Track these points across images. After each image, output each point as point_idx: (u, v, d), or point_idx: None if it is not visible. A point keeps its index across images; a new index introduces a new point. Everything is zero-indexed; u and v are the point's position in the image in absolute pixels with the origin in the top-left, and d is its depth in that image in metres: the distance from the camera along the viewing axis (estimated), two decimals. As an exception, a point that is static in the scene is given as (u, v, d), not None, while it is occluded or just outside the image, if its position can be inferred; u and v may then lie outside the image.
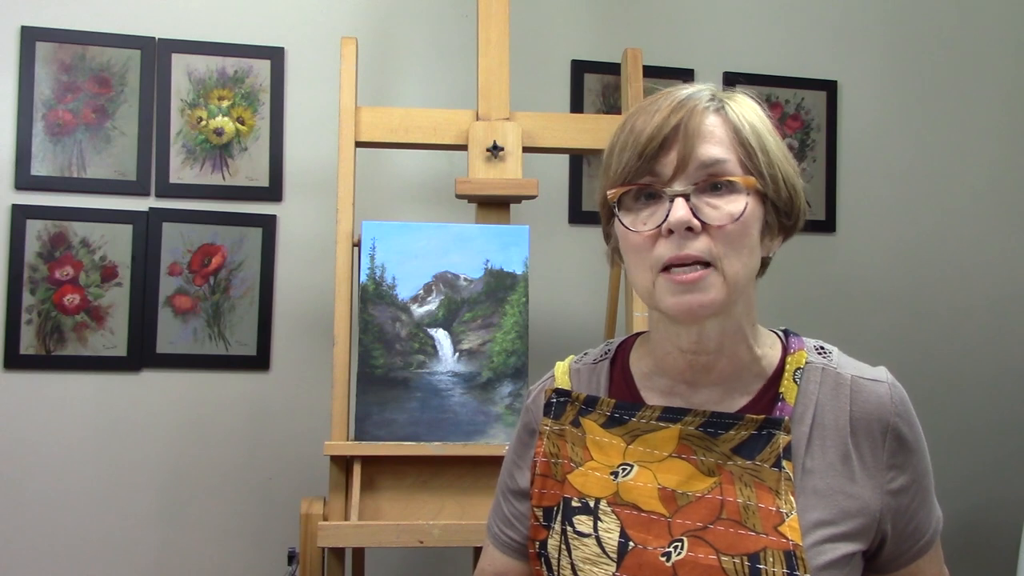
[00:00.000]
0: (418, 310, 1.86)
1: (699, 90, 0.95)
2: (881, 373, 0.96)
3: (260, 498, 2.29)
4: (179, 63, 2.30)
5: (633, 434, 0.97)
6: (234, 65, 2.33)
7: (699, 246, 0.89)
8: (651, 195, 0.92)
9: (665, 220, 0.89)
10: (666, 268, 0.90)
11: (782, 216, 0.96)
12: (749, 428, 0.92)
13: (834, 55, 2.64)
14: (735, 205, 0.90)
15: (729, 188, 0.90)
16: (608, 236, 1.01)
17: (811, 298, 2.56)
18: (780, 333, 1.02)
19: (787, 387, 0.95)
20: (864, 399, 0.94)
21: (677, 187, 0.90)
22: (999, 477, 2.65)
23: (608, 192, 0.94)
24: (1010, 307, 2.72)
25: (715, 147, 0.91)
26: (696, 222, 0.88)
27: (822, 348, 1.00)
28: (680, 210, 0.88)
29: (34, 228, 2.20)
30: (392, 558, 2.32)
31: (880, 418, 0.93)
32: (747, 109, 0.95)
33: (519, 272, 1.89)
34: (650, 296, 0.93)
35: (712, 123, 0.92)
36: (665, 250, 0.90)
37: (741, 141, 0.92)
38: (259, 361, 2.30)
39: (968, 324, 2.69)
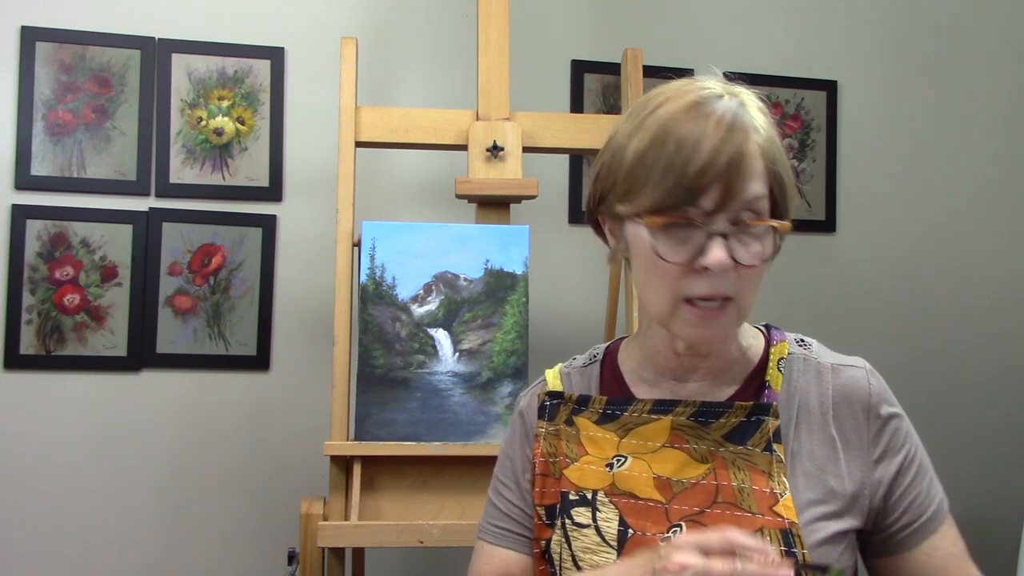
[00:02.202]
0: (418, 310, 1.86)
1: (735, 107, 0.90)
2: (858, 361, 1.00)
3: (260, 498, 2.29)
4: (179, 63, 2.30)
5: (626, 428, 0.99)
6: (234, 65, 2.33)
7: (729, 286, 0.88)
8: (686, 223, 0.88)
9: (701, 256, 0.87)
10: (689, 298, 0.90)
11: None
12: (739, 415, 0.95)
13: (834, 55, 2.64)
14: (766, 246, 0.89)
15: (763, 227, 0.89)
16: (606, 231, 1.00)
17: (811, 298, 2.56)
18: (762, 328, 1.04)
19: (772, 376, 0.98)
20: (843, 383, 0.97)
21: (719, 226, 0.87)
22: (999, 477, 2.65)
23: (647, 220, 0.89)
24: (1010, 307, 2.72)
25: (756, 183, 0.88)
26: (732, 263, 0.87)
27: (802, 340, 1.02)
28: (720, 252, 0.86)
29: (34, 228, 2.20)
30: (392, 558, 2.32)
31: (860, 399, 0.96)
32: (766, 122, 0.92)
33: (519, 272, 1.89)
34: (666, 320, 0.92)
35: (754, 155, 0.88)
36: (696, 286, 0.88)
37: (774, 174, 0.90)
38: (259, 361, 2.30)
39: (968, 324, 2.69)
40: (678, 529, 0.91)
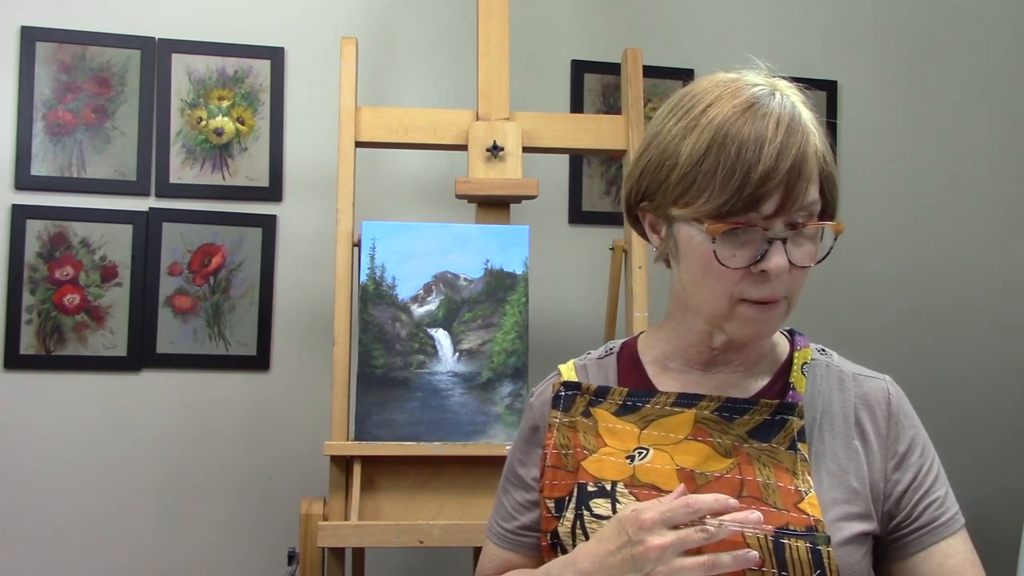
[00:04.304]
0: (418, 310, 1.86)
1: (790, 107, 0.90)
2: (879, 374, 1.01)
3: (260, 498, 2.29)
4: (179, 63, 2.30)
5: (647, 419, 0.98)
6: (234, 65, 2.33)
7: (784, 287, 0.90)
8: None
9: (761, 260, 0.88)
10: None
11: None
12: (763, 413, 0.95)
13: (834, 55, 2.64)
14: (818, 246, 0.91)
15: (815, 228, 0.90)
16: (646, 226, 0.98)
17: (811, 297, 2.55)
18: (786, 332, 1.05)
19: (796, 378, 0.98)
20: (865, 392, 0.98)
21: (778, 230, 0.88)
22: (999, 476, 2.65)
23: (709, 227, 0.88)
24: (1009, 306, 2.72)
25: (815, 189, 0.90)
26: (788, 266, 0.89)
27: (823, 350, 1.04)
28: (781, 258, 0.87)
29: (34, 228, 2.20)
30: (392, 558, 2.32)
31: (880, 407, 0.97)
32: (812, 117, 0.93)
33: (519, 272, 1.89)
34: (721, 320, 0.93)
35: (812, 156, 0.89)
36: (754, 290, 0.89)
37: (825, 176, 0.92)
38: (259, 361, 2.30)
39: (968, 323, 2.69)
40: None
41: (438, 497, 1.78)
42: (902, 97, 2.69)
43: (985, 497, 2.62)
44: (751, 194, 0.85)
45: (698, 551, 0.84)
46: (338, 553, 1.76)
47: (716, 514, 0.83)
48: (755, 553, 0.83)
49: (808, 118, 0.91)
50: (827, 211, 0.94)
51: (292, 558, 1.77)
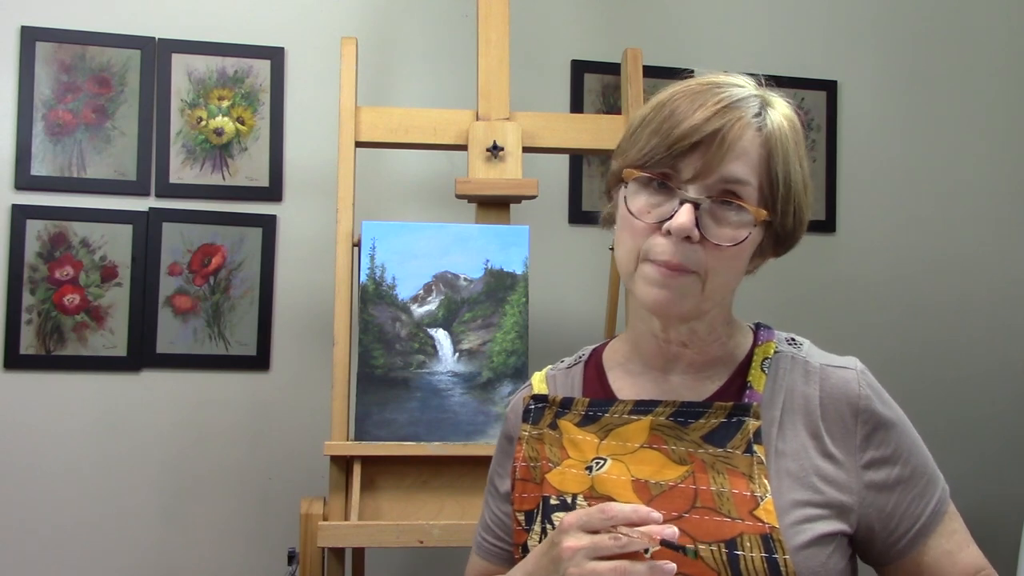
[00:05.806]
0: (418, 310, 1.86)
1: (748, 96, 0.92)
2: (850, 361, 0.98)
3: (260, 498, 2.29)
4: (179, 63, 2.30)
5: (606, 429, 0.98)
6: (234, 65, 2.33)
7: (692, 257, 0.89)
8: (664, 185, 0.91)
9: (668, 219, 0.89)
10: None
11: (778, 244, 0.97)
12: (719, 416, 0.94)
13: (834, 55, 2.64)
14: (740, 231, 0.90)
15: (740, 210, 0.90)
16: (610, 198, 1.01)
17: (811, 298, 2.56)
18: (752, 326, 1.04)
19: (755, 376, 0.97)
20: (832, 385, 0.95)
21: (691, 192, 0.89)
22: (999, 476, 2.65)
23: (624, 171, 0.94)
24: (1010, 306, 2.72)
25: (742, 167, 0.89)
26: (696, 233, 0.88)
27: (793, 339, 1.01)
28: (684, 217, 0.88)
29: (34, 228, 2.20)
30: (392, 558, 2.32)
31: (849, 402, 0.94)
32: (786, 126, 0.93)
33: (519, 272, 1.89)
34: (629, 278, 0.94)
35: (749, 140, 0.90)
36: (659, 249, 0.90)
37: (770, 168, 0.91)
38: (259, 361, 2.30)
39: (968, 323, 2.69)
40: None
41: (438, 497, 1.78)
42: (902, 97, 2.69)
43: (985, 497, 2.61)
44: (669, 146, 0.89)
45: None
46: (338, 553, 1.76)
47: (633, 524, 0.83)
48: (672, 565, 0.83)
49: (772, 119, 0.92)
50: (768, 210, 0.92)
51: (292, 558, 1.78)
